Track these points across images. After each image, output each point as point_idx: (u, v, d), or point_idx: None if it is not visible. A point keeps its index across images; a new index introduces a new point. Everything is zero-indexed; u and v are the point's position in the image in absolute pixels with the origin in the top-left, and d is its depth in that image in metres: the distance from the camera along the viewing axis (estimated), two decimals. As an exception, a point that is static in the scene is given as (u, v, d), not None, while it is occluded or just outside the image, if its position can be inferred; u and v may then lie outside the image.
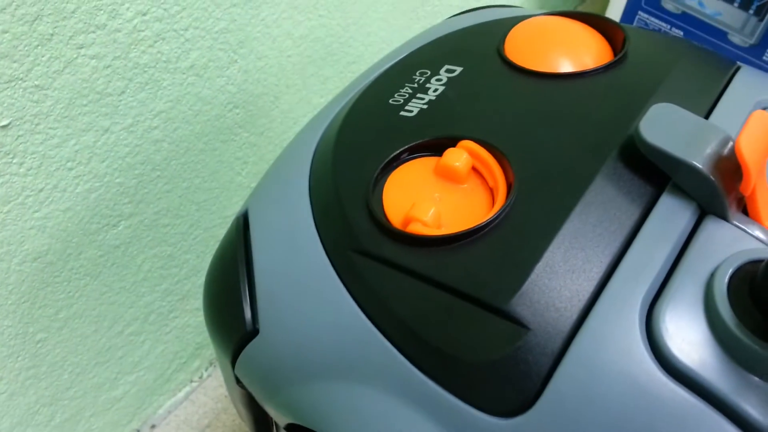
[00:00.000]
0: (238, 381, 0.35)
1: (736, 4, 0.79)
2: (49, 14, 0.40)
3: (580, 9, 1.07)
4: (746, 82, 0.34)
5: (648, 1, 0.86)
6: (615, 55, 0.37)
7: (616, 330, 0.25)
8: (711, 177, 0.27)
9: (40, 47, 0.40)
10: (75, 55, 0.43)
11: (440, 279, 0.28)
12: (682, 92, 0.32)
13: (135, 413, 0.70)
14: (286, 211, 0.33)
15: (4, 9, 0.38)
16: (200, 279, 0.67)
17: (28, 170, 0.45)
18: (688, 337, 0.25)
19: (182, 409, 0.74)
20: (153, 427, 0.72)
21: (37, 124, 0.43)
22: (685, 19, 0.84)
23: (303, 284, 0.31)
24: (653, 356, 0.25)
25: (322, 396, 0.29)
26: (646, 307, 0.26)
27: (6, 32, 0.39)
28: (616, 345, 0.25)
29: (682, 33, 0.85)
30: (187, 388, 0.75)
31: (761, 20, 0.78)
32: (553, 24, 0.38)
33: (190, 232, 0.62)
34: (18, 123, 0.42)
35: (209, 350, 0.74)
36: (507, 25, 0.38)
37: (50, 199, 0.47)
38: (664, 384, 0.25)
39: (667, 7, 0.85)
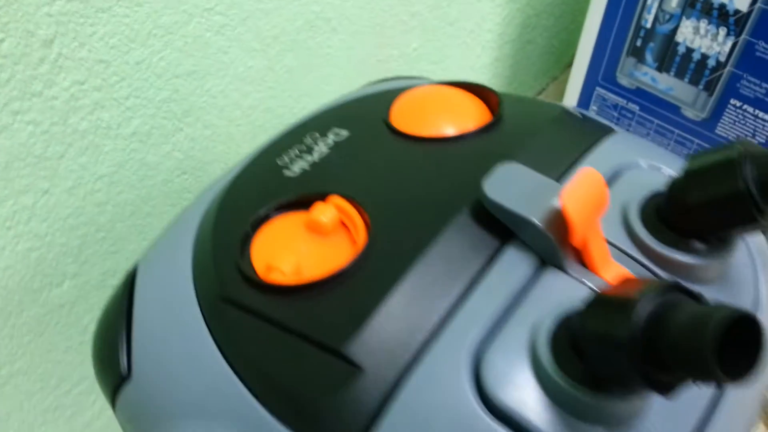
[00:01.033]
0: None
1: (686, 80, 0.82)
2: (-18, 83, 0.43)
3: (552, 87, 1.11)
4: (612, 146, 0.36)
5: (604, 77, 0.89)
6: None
7: (444, 372, 0.27)
8: (546, 230, 0.29)
9: (-27, 113, 0.43)
10: (11, 121, 0.45)
11: (289, 324, 0.29)
12: (544, 154, 0.34)
13: (85, 475, 0.70)
14: (169, 265, 0.36)
15: (-63, 77, 0.41)
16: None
17: (-35, 229, 0.47)
18: (513, 382, 0.26)
19: (135, 472, 0.74)
20: (104, 489, 0.72)
21: (-27, 186, 0.46)
22: (639, 94, 0.87)
23: (173, 331, 0.33)
24: (479, 398, 0.26)
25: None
26: (476, 352, 0.27)
27: (-62, 99, 0.42)
28: (443, 386, 0.27)
29: (637, 107, 0.88)
30: (140, 451, 0.75)
31: (711, 95, 0.81)
32: (434, 92, 0.41)
33: (140, 294, 0.64)
34: (-46, 184, 0.45)
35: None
36: (398, 92, 0.41)
37: (-12, 257, 0.50)
38: (487, 425, 0.26)
39: (622, 83, 0.88)
